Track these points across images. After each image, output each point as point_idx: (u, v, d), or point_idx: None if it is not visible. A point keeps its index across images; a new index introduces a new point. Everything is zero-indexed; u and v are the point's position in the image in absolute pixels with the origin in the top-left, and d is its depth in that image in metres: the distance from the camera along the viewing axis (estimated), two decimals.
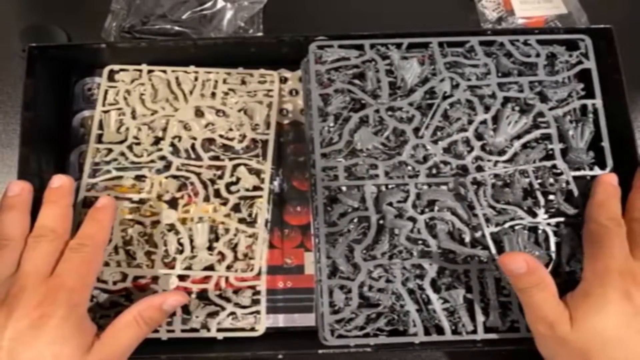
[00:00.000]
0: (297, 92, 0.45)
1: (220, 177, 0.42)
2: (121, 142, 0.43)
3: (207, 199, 0.42)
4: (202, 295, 0.40)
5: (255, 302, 0.40)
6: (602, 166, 0.39)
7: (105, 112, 0.44)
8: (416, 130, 0.40)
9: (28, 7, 0.53)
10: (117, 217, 0.41)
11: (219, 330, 0.39)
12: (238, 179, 0.42)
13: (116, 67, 0.45)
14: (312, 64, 0.41)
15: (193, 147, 0.43)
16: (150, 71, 0.45)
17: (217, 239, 0.41)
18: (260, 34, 0.50)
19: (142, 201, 0.41)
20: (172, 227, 0.41)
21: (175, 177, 0.42)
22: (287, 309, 0.41)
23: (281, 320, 0.41)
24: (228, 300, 0.40)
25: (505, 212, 0.38)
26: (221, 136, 0.43)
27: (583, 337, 0.30)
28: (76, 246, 0.34)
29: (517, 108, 0.40)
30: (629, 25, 0.48)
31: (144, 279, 0.40)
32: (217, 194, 0.42)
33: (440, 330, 0.37)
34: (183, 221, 0.41)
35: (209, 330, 0.39)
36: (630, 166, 0.38)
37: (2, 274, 0.33)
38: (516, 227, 0.38)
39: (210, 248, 0.41)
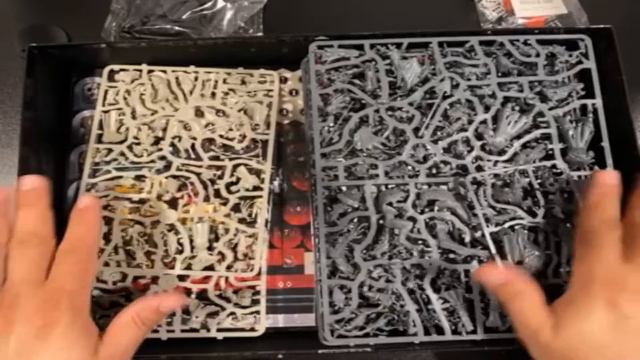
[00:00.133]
0: (297, 92, 0.45)
1: (220, 177, 0.42)
2: (121, 142, 0.43)
3: (207, 199, 0.42)
4: (202, 295, 0.40)
5: (255, 302, 0.40)
6: (602, 166, 0.40)
7: (105, 112, 0.44)
8: (416, 130, 0.40)
9: (28, 7, 0.53)
10: (117, 217, 0.41)
11: (218, 330, 0.39)
12: (238, 179, 0.42)
13: (116, 67, 0.45)
14: (312, 63, 0.41)
15: (193, 147, 0.43)
16: (150, 71, 0.45)
17: (217, 239, 0.41)
18: (260, 34, 0.50)
19: (142, 201, 0.41)
20: (172, 227, 0.41)
21: (175, 177, 0.42)
22: (287, 309, 0.41)
23: (281, 321, 0.41)
24: (228, 300, 0.40)
25: (505, 212, 0.38)
26: (221, 136, 0.43)
27: (567, 345, 0.30)
28: (68, 248, 0.33)
29: (517, 108, 0.40)
30: (629, 25, 0.48)
31: (144, 279, 0.40)
32: (217, 194, 0.42)
33: (440, 330, 0.37)
34: (183, 221, 0.41)
35: (208, 330, 0.39)
36: (630, 166, 0.38)
37: None
38: (516, 227, 0.38)
39: (210, 248, 0.41)
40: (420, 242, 0.38)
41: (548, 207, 0.38)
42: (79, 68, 0.45)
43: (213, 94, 0.44)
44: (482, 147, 0.40)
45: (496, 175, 0.39)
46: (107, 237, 0.40)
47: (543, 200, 0.38)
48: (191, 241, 0.40)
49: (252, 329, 0.39)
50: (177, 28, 0.49)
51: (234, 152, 0.43)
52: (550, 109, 0.40)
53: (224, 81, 0.44)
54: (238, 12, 0.50)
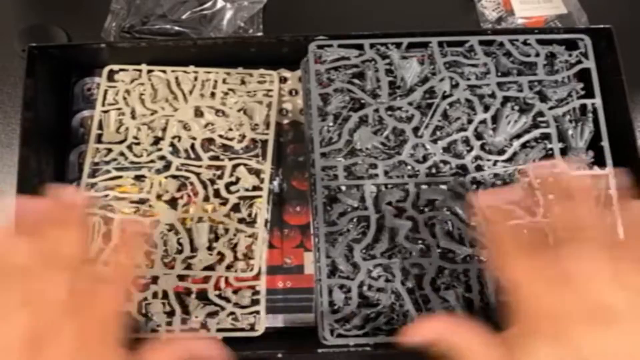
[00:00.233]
0: (296, 92, 0.45)
1: (220, 177, 0.42)
2: (121, 142, 0.43)
3: (206, 199, 0.42)
4: (202, 295, 0.40)
5: (255, 302, 0.40)
6: (602, 166, 0.39)
7: (105, 112, 0.44)
8: (416, 129, 0.40)
9: (28, 7, 0.53)
10: (117, 217, 0.41)
11: (218, 330, 0.39)
12: (238, 179, 0.42)
13: (116, 67, 0.45)
14: (311, 63, 0.41)
15: (193, 147, 0.43)
16: (150, 71, 0.45)
17: (216, 239, 0.41)
18: (260, 34, 0.50)
19: (141, 201, 0.41)
20: (171, 227, 0.41)
21: (174, 177, 0.42)
22: (287, 308, 0.41)
23: (281, 320, 0.41)
24: (228, 300, 0.40)
25: None
26: (221, 136, 0.43)
27: None
28: (106, 278, 0.30)
29: (516, 107, 0.40)
30: (629, 25, 0.48)
31: (144, 279, 0.40)
32: (217, 194, 0.42)
33: None
34: (183, 221, 0.41)
35: (208, 330, 0.39)
36: (630, 166, 0.38)
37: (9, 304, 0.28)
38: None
39: (209, 248, 0.41)
40: (419, 241, 0.38)
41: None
42: (79, 68, 0.46)
43: (212, 94, 0.44)
44: (482, 147, 0.40)
45: (496, 175, 0.39)
46: (107, 237, 0.40)
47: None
48: (191, 241, 0.40)
49: (252, 329, 0.39)
50: (176, 28, 0.49)
51: (233, 152, 0.43)
52: (550, 108, 0.40)
53: (224, 81, 0.44)
54: (238, 12, 0.50)
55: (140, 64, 0.44)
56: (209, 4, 0.50)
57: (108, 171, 0.42)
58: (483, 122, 0.40)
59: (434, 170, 0.39)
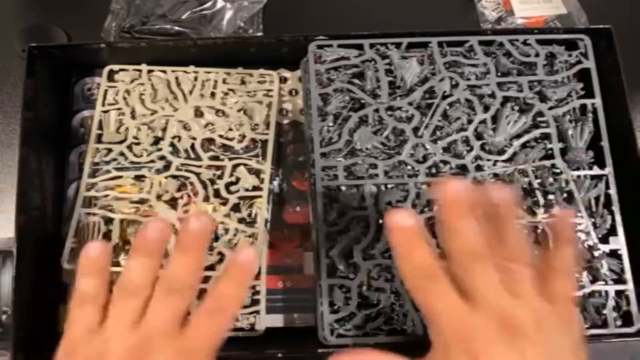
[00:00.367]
0: (296, 92, 0.45)
1: (220, 177, 0.42)
2: (121, 142, 0.43)
3: (206, 199, 0.42)
4: (202, 295, 0.40)
5: (255, 301, 0.40)
6: (602, 166, 0.40)
7: (105, 112, 0.44)
8: (416, 129, 0.40)
9: (28, 7, 0.53)
10: (117, 217, 0.41)
11: None
12: (238, 179, 0.42)
13: (116, 67, 0.45)
14: (311, 63, 0.41)
15: (193, 147, 0.43)
16: (150, 71, 0.45)
17: (216, 239, 0.41)
18: (260, 34, 0.50)
19: (141, 201, 0.41)
20: (171, 227, 0.41)
21: (174, 177, 0.42)
22: (287, 308, 0.41)
23: (281, 320, 0.41)
24: None
25: None
26: (221, 136, 0.43)
27: None
28: (214, 308, 0.28)
29: (516, 107, 0.40)
30: (629, 25, 0.48)
31: None
32: (217, 194, 0.42)
33: None
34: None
35: None
36: (630, 166, 0.38)
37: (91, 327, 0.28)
38: None
39: (209, 248, 0.41)
40: None
41: (547, 206, 0.38)
42: (79, 68, 0.46)
43: (213, 94, 0.44)
44: (482, 147, 0.40)
45: (496, 175, 0.39)
46: (107, 237, 0.40)
47: (542, 199, 0.38)
48: None
49: (252, 329, 0.39)
50: (176, 28, 0.49)
51: (233, 152, 0.43)
52: (550, 108, 0.40)
53: (224, 81, 0.44)
54: (238, 12, 0.50)
55: (140, 64, 0.44)
56: (209, 4, 0.50)
57: (108, 171, 0.42)
58: (483, 122, 0.40)
59: (434, 170, 0.39)
